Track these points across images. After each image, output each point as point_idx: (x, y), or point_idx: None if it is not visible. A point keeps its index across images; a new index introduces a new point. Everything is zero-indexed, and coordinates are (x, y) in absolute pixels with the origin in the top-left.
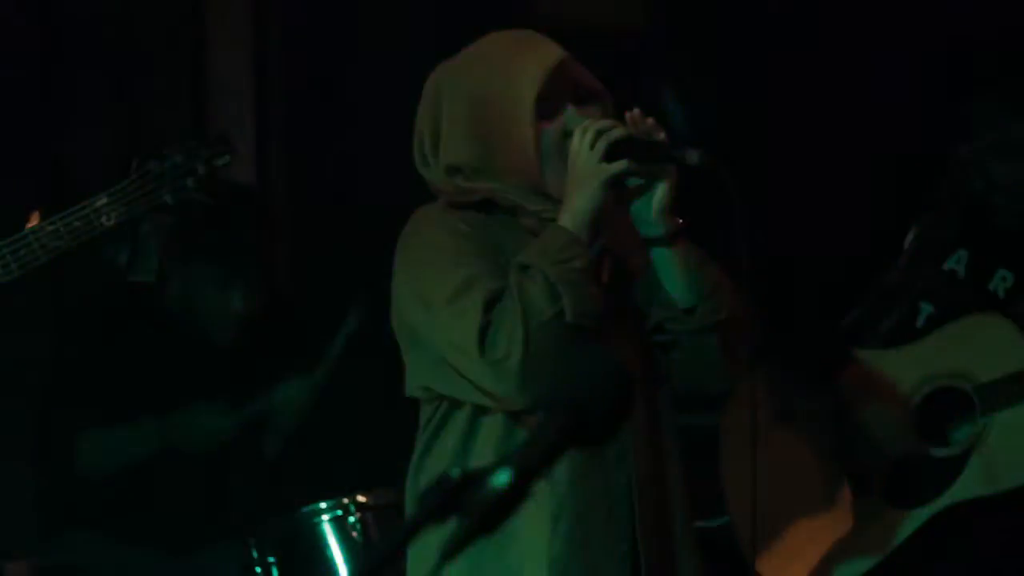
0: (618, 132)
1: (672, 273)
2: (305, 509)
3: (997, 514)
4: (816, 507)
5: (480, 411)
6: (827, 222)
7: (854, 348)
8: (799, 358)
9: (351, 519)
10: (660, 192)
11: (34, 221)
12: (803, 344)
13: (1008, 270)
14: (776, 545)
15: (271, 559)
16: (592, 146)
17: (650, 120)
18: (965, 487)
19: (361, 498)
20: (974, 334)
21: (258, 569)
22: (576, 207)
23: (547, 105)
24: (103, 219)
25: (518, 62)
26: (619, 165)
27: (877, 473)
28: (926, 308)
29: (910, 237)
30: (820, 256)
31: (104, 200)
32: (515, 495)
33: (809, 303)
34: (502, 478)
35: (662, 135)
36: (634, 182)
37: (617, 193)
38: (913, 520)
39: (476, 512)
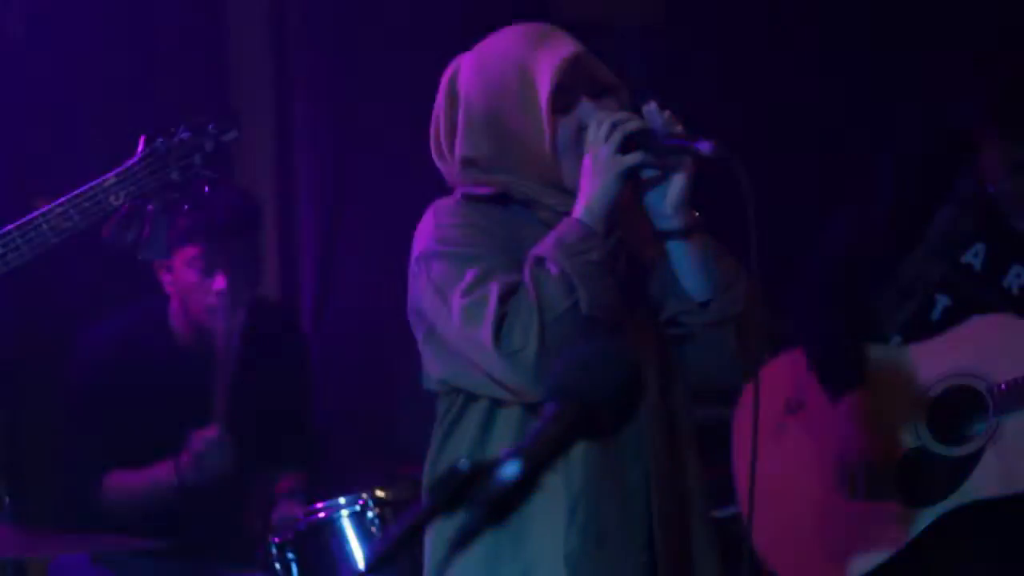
0: (633, 124)
1: (687, 266)
2: (324, 505)
3: (1007, 515)
4: (826, 501)
5: (497, 404)
6: (843, 213)
7: (870, 340)
8: (813, 350)
9: (370, 514)
10: (676, 184)
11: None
12: (817, 336)
13: None
14: (786, 538)
15: (290, 555)
16: (607, 138)
17: (666, 112)
18: (976, 487)
19: (380, 493)
20: (989, 334)
21: (277, 565)
22: (591, 199)
23: (562, 98)
24: (112, 199)
25: (534, 55)
26: (634, 157)
27: (889, 469)
28: (942, 300)
29: (930, 228)
30: (835, 247)
31: (112, 180)
32: (524, 486)
33: (825, 295)
34: (511, 469)
35: (678, 127)
36: (649, 174)
37: (632, 185)
38: (923, 518)
39: (485, 503)
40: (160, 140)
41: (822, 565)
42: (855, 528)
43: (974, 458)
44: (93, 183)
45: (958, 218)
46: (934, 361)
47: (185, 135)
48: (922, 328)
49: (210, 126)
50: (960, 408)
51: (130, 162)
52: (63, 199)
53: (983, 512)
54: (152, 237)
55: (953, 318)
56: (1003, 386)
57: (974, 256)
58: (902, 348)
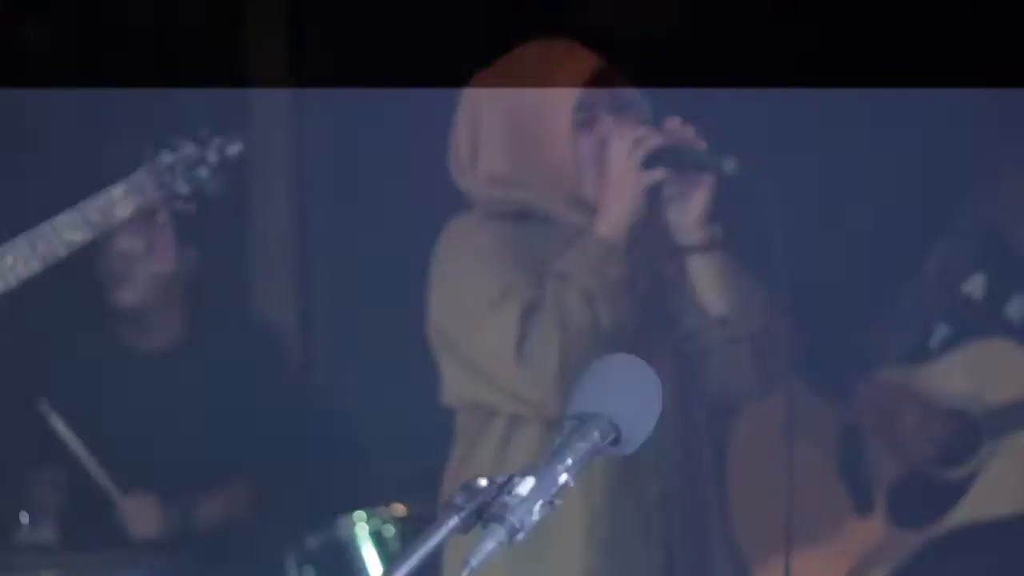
0: (655, 141)
1: (706, 282)
2: (344, 521)
3: (997, 539)
4: (818, 523)
5: (516, 420)
6: (849, 239)
7: (866, 365)
8: (810, 371)
9: (390, 531)
10: (696, 201)
11: None
12: (816, 357)
13: None
14: (775, 560)
15: (309, 572)
16: (629, 154)
17: (688, 128)
18: (967, 511)
19: (400, 509)
20: (985, 358)
21: None
22: (613, 216)
23: (584, 114)
24: (119, 210)
25: (555, 71)
26: (655, 174)
27: (881, 491)
28: (941, 329)
29: (930, 257)
30: (837, 272)
31: (120, 191)
32: (541, 504)
33: (825, 319)
34: (527, 486)
35: (700, 143)
36: (670, 190)
37: (653, 201)
38: (914, 540)
39: (501, 520)
40: (166, 152)
41: None
42: (847, 548)
43: (966, 482)
44: (100, 194)
45: (958, 247)
46: (929, 384)
47: (191, 147)
48: (919, 357)
49: (215, 139)
50: (954, 431)
51: (136, 174)
52: (70, 210)
53: (974, 535)
54: (161, 249)
55: (951, 347)
56: (996, 410)
57: (974, 286)
58: (899, 371)
